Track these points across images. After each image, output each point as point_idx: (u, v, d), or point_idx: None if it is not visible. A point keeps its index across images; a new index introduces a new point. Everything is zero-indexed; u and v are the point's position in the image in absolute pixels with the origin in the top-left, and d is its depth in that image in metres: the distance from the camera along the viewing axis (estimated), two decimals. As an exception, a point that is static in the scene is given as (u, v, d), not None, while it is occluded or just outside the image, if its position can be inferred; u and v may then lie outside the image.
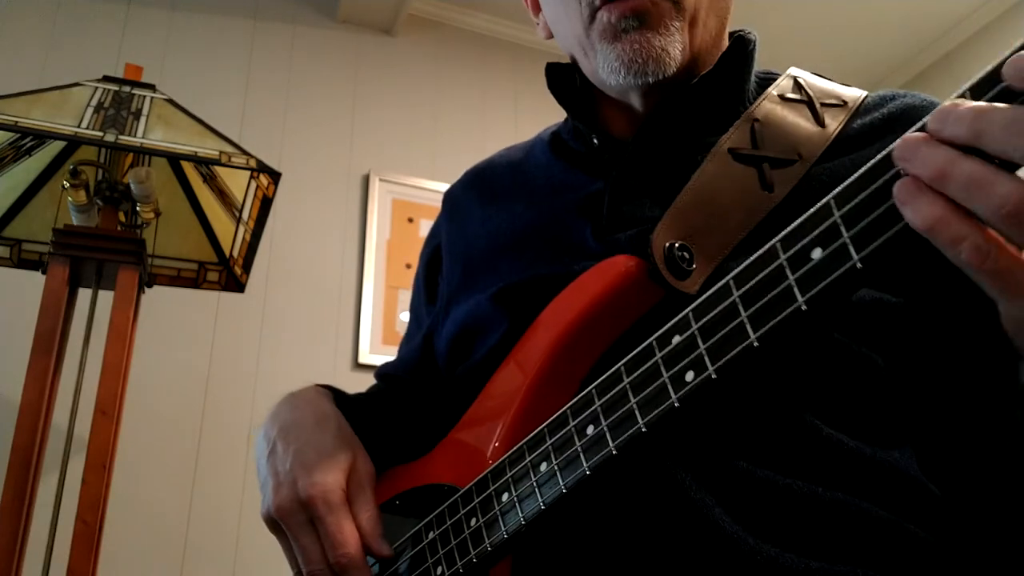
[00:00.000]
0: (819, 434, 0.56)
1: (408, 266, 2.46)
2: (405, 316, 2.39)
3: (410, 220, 2.52)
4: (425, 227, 2.52)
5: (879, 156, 0.42)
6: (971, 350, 0.59)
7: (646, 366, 0.51)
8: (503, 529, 0.57)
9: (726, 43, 0.75)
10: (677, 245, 0.58)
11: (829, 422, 0.57)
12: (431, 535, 0.63)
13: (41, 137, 1.52)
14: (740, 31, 0.73)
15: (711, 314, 0.48)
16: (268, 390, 2.17)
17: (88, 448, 1.37)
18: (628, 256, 0.59)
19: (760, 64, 0.74)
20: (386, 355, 2.32)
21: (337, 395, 0.79)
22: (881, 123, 0.66)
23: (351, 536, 0.63)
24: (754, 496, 0.54)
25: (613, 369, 0.54)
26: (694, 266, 0.58)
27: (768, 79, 0.73)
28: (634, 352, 0.53)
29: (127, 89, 1.58)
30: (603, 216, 0.68)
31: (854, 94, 0.70)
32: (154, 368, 2.05)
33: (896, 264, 0.41)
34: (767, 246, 0.46)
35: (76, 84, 1.54)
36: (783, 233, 0.45)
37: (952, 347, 0.60)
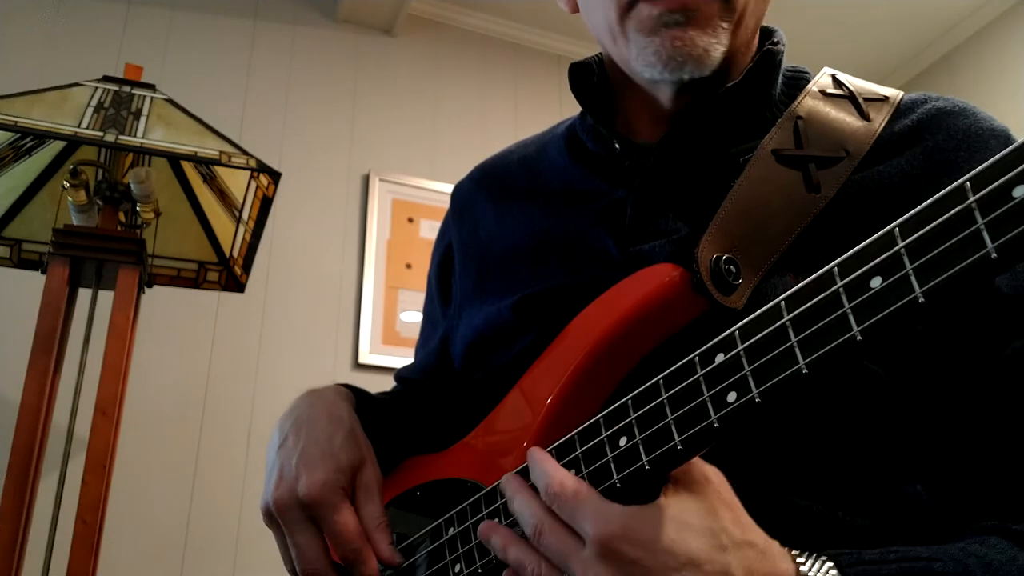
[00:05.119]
0: (844, 462, 0.55)
1: (408, 266, 2.46)
2: (405, 316, 2.39)
3: (410, 220, 2.52)
4: (425, 227, 2.52)
5: (948, 189, 0.40)
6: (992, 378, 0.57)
7: (686, 382, 0.50)
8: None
9: (755, 43, 0.72)
10: (724, 258, 0.56)
11: (851, 450, 0.56)
12: (451, 531, 0.62)
13: (41, 137, 1.52)
14: (769, 42, 0.70)
15: (758, 335, 0.47)
16: (268, 390, 2.18)
17: (88, 448, 1.37)
18: (672, 265, 0.57)
19: None
20: (386, 355, 2.32)
21: (359, 397, 0.78)
22: (910, 130, 0.64)
23: (357, 531, 0.63)
24: (772, 517, 0.53)
25: (651, 382, 0.52)
26: (740, 280, 0.56)
27: (798, 76, 0.71)
28: (675, 367, 0.51)
29: (127, 89, 1.58)
30: (625, 227, 0.66)
31: (893, 92, 0.68)
32: (154, 368, 2.05)
33: (960, 303, 0.39)
34: (822, 271, 0.45)
35: (76, 84, 1.54)
36: (841, 259, 0.44)
37: (973, 377, 0.58)
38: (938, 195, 0.41)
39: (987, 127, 0.64)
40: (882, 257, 0.42)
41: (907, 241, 0.41)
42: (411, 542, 0.66)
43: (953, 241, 0.39)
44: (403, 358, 2.36)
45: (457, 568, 0.60)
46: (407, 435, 0.77)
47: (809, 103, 0.66)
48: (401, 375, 0.89)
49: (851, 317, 0.43)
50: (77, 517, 1.34)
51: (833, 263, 0.44)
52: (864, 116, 0.65)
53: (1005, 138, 0.63)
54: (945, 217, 0.40)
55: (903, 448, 0.58)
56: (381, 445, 0.72)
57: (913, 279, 0.40)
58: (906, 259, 0.41)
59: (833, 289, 0.44)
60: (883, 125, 0.64)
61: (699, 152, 0.67)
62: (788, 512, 0.54)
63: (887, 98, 0.67)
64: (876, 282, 0.42)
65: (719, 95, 0.66)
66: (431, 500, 0.67)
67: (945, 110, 0.65)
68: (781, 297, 0.46)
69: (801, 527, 0.54)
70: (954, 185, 0.40)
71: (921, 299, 0.40)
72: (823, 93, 0.67)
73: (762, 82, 0.68)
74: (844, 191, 0.60)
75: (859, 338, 0.42)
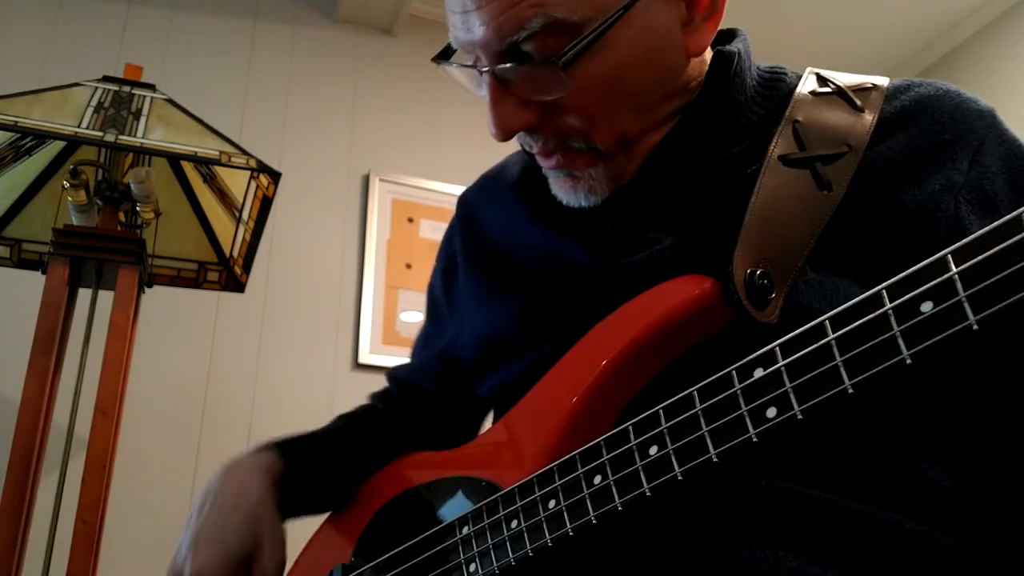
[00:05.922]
0: (849, 446, 0.55)
1: (408, 266, 2.46)
2: (405, 316, 2.39)
3: (410, 220, 2.52)
4: (425, 227, 2.52)
5: (1004, 219, 0.40)
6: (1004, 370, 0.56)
7: (723, 395, 0.50)
8: (547, 537, 0.56)
9: (706, 63, 0.72)
10: (758, 273, 0.56)
11: (861, 436, 0.56)
12: (466, 530, 0.62)
13: (41, 137, 1.52)
14: (720, 46, 0.70)
15: (801, 352, 0.47)
16: (268, 390, 2.17)
17: (88, 448, 1.37)
18: (703, 277, 0.57)
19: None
20: (386, 355, 2.32)
21: (292, 459, 0.76)
22: (893, 117, 0.64)
23: None
24: (777, 508, 0.53)
25: (683, 393, 0.52)
26: (773, 295, 0.56)
27: (776, 75, 0.71)
28: (711, 379, 0.51)
29: (127, 89, 1.58)
30: (607, 240, 0.68)
31: (880, 80, 0.69)
32: (154, 368, 2.05)
33: (1015, 332, 0.39)
34: (870, 292, 0.45)
35: (76, 84, 1.54)
36: (890, 281, 0.44)
37: (988, 367, 0.57)
38: (994, 224, 0.40)
39: (973, 108, 0.64)
40: (934, 282, 0.42)
41: (961, 268, 0.41)
42: (420, 539, 0.65)
43: (1010, 270, 0.39)
44: (403, 358, 2.34)
45: (472, 568, 0.60)
46: (373, 460, 0.79)
47: (802, 107, 0.66)
48: (395, 375, 0.90)
49: (900, 340, 0.43)
50: (77, 517, 1.34)
51: (881, 285, 0.44)
52: (857, 108, 0.65)
53: (992, 118, 0.63)
54: (1002, 246, 0.40)
55: (914, 427, 0.58)
56: (349, 474, 0.75)
57: (967, 306, 0.40)
58: (959, 286, 0.41)
59: (882, 311, 0.44)
60: (879, 112, 0.65)
61: (675, 166, 0.68)
62: (793, 502, 0.54)
63: (875, 86, 0.67)
64: (927, 306, 0.42)
65: (685, 114, 0.68)
66: (442, 497, 0.67)
67: (928, 95, 0.65)
68: (826, 316, 0.46)
69: (806, 516, 0.53)
70: (1011, 216, 0.40)
71: (975, 327, 0.40)
72: (813, 94, 0.68)
73: (721, 88, 0.68)
74: (856, 183, 0.61)
75: (909, 362, 0.42)
